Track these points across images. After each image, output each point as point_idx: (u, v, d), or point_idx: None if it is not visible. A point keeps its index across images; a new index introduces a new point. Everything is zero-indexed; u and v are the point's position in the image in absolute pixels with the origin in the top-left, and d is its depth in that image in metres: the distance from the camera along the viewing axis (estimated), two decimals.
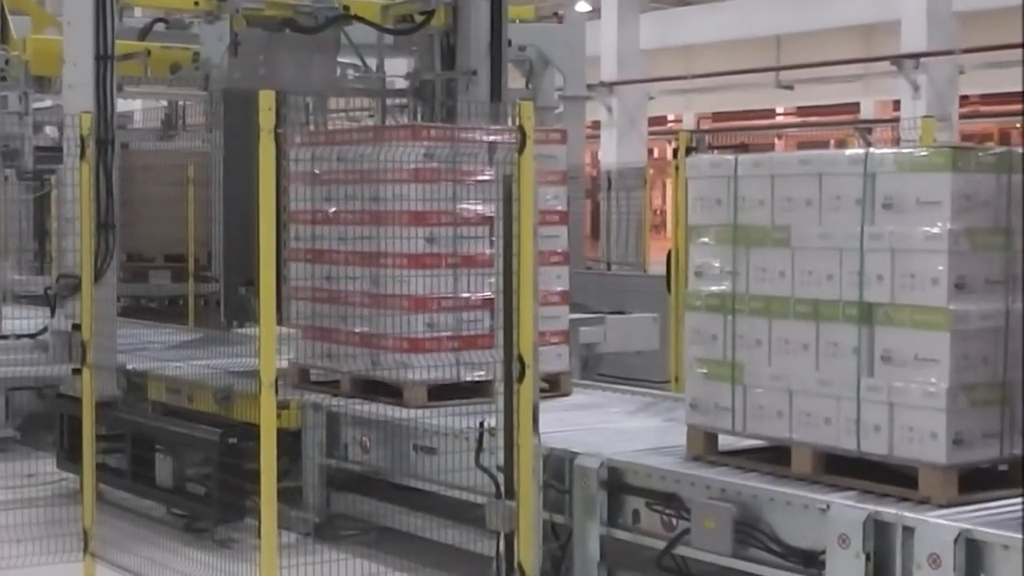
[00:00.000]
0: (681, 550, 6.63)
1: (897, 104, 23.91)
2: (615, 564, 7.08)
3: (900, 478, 6.11)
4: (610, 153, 25.96)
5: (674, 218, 10.30)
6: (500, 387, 6.61)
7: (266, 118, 6.54)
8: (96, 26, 9.97)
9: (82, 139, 8.53)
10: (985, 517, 5.68)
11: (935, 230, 6.01)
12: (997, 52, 20.87)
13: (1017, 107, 23.64)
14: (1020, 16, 13.44)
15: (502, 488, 6.64)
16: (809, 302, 6.45)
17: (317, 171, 9.26)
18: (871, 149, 6.34)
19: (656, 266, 16.56)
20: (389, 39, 12.40)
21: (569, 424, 8.06)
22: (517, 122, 6.58)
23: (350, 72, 12.59)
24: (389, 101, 13.11)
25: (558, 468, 7.15)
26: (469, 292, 8.67)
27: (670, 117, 33.57)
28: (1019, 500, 5.66)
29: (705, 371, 6.92)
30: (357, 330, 8.94)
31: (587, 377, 10.91)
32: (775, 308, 6.59)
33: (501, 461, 6.66)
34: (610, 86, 26.14)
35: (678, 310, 9.58)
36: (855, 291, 6.27)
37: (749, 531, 6.27)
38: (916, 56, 21.32)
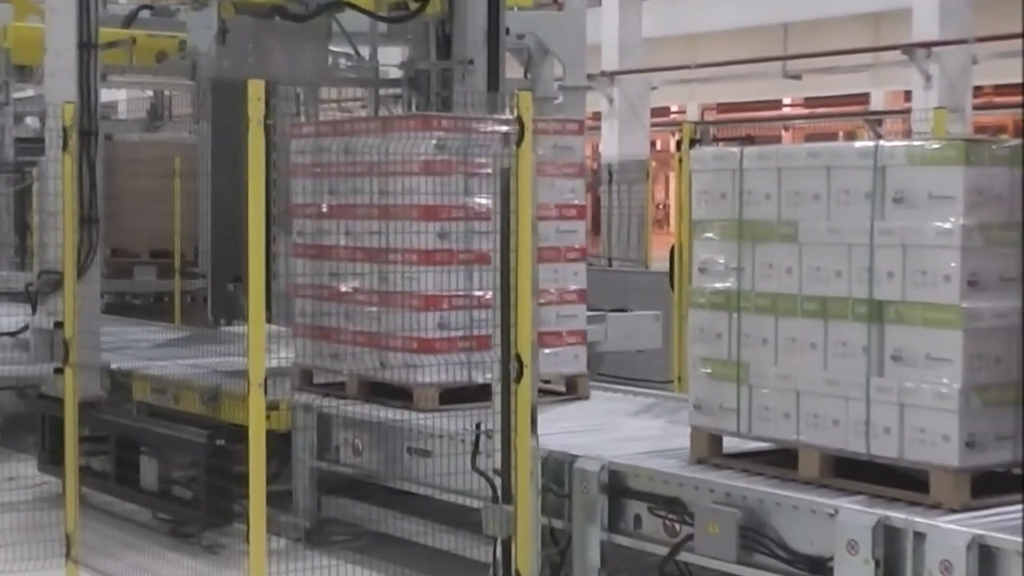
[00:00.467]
0: (684, 556, 6.63)
1: (908, 95, 23.90)
2: (616, 571, 7.09)
3: (911, 482, 6.11)
4: (611, 145, 25.95)
5: (677, 212, 10.32)
6: (497, 387, 6.62)
7: (255, 109, 6.53)
8: (79, 13, 9.95)
9: (65, 130, 8.53)
10: (999, 522, 5.68)
11: (947, 225, 6.01)
12: (1012, 41, 20.82)
13: None
14: None
15: (499, 492, 6.64)
16: (817, 299, 6.45)
17: (321, 163, 9.13)
18: (881, 141, 6.34)
19: (659, 262, 16.60)
20: (383, 27, 12.39)
21: (569, 426, 8.07)
22: (515, 113, 6.57)
23: (342, 61, 12.58)
24: (383, 91, 13.11)
25: (557, 471, 7.15)
26: (482, 290, 8.43)
27: (673, 108, 33.54)
28: None
29: (709, 371, 6.92)
30: (364, 330, 8.81)
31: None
32: (782, 306, 6.59)
33: (498, 464, 6.66)
34: (611, 76, 26.12)
35: (681, 308, 9.59)
36: (865, 288, 6.27)
37: (755, 537, 6.28)
38: (928, 45, 21.31)
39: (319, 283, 9.17)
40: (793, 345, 6.55)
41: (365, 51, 12.70)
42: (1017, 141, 6.29)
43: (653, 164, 22.80)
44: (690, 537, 6.54)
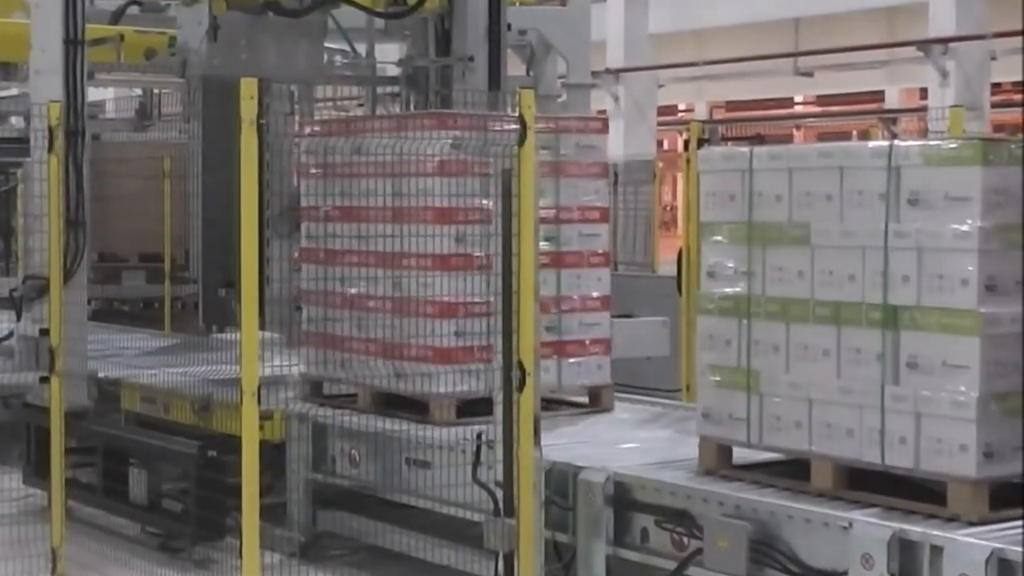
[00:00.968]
0: (692, 571, 6.63)
1: (924, 92, 23.91)
2: None
3: (927, 493, 6.11)
4: (616, 145, 25.88)
5: (685, 215, 10.31)
6: (499, 396, 6.62)
7: (247, 108, 6.55)
8: (65, 9, 9.97)
9: (50, 130, 8.55)
10: (1018, 535, 5.66)
11: (964, 227, 6.01)
12: None
13: None
14: None
15: (501, 505, 6.65)
16: (830, 305, 6.45)
17: (331, 163, 9.03)
18: (896, 141, 6.35)
19: (666, 266, 16.58)
20: (380, 23, 12.40)
21: (573, 436, 8.07)
22: (517, 112, 6.58)
23: (338, 58, 12.59)
24: (380, 90, 13.12)
25: (561, 483, 7.15)
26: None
27: (681, 106, 33.55)
28: None
29: (718, 379, 6.93)
30: (377, 338, 8.67)
31: None
32: (793, 311, 6.60)
33: (500, 476, 6.66)
34: (616, 73, 26.13)
35: (689, 313, 9.59)
36: (879, 293, 6.28)
37: (765, 551, 6.28)
38: (944, 40, 21.32)
39: (328, 289, 9.02)
40: (805, 352, 6.55)
41: (362, 48, 12.71)
42: None
43: (660, 164, 22.77)
44: (699, 551, 6.55)
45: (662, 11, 27.51)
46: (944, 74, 21.37)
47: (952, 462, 6.01)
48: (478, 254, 8.37)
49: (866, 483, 6.35)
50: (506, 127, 8.37)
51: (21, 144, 12.79)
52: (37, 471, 9.77)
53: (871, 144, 6.56)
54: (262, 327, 7.57)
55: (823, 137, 29.61)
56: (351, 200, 8.94)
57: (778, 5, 27.52)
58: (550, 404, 8.79)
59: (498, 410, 6.64)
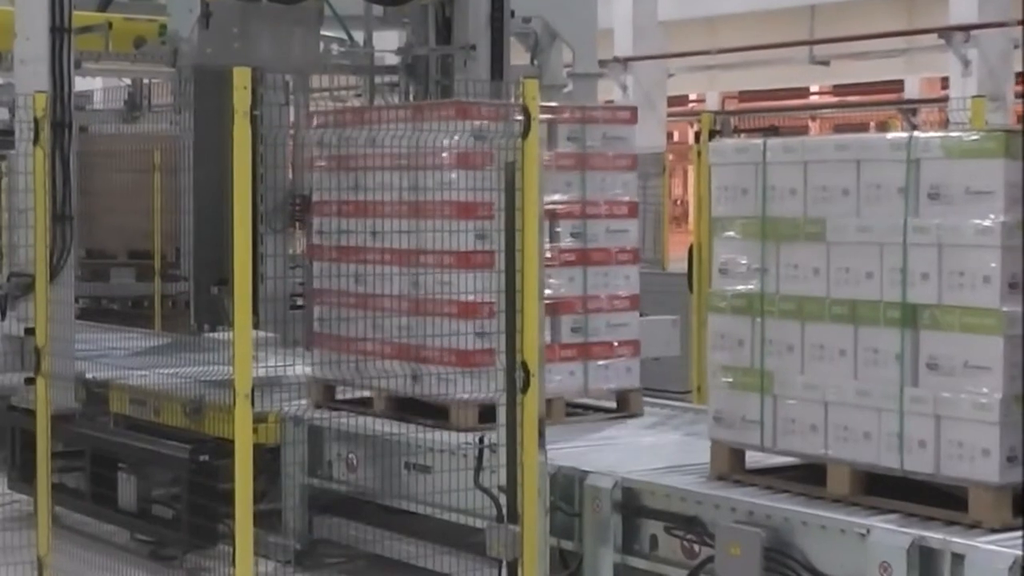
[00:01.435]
0: None
1: (945, 82, 23.90)
2: None
3: (948, 499, 6.12)
4: None
5: (696, 209, 10.32)
6: (502, 398, 6.63)
7: (241, 98, 6.54)
8: None
9: (36, 121, 8.55)
10: None
11: (986, 223, 6.01)
12: None
13: None
14: None
15: (504, 511, 6.65)
16: (846, 303, 6.45)
17: (344, 155, 8.88)
18: (915, 132, 6.36)
19: (676, 263, 16.59)
20: (378, 10, 12.41)
21: (579, 439, 8.07)
22: (521, 102, 6.58)
23: (334, 47, 12.59)
24: (378, 79, 13.12)
25: (567, 488, 7.16)
26: None
27: (692, 97, 33.59)
28: None
29: (731, 380, 6.93)
30: (393, 340, 8.53)
31: None
32: (808, 310, 6.60)
33: (503, 481, 6.67)
34: (625, 62, 26.12)
35: (701, 312, 9.60)
36: (897, 291, 6.28)
37: (780, 558, 6.28)
38: (966, 28, 21.31)
39: (341, 287, 8.85)
40: (821, 352, 6.55)
41: (359, 36, 12.71)
42: None
43: (670, 157, 22.78)
44: (710, 559, 6.55)
45: None
46: (966, 63, 21.36)
47: (973, 467, 6.01)
48: (501, 250, 8.28)
49: (884, 489, 6.35)
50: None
51: (6, 136, 12.78)
52: (22, 476, 9.78)
53: (889, 136, 6.55)
54: (256, 326, 7.57)
55: (839, 129, 29.63)
56: (365, 194, 8.76)
57: None
58: (575, 409, 8.79)
59: (501, 412, 6.64)
